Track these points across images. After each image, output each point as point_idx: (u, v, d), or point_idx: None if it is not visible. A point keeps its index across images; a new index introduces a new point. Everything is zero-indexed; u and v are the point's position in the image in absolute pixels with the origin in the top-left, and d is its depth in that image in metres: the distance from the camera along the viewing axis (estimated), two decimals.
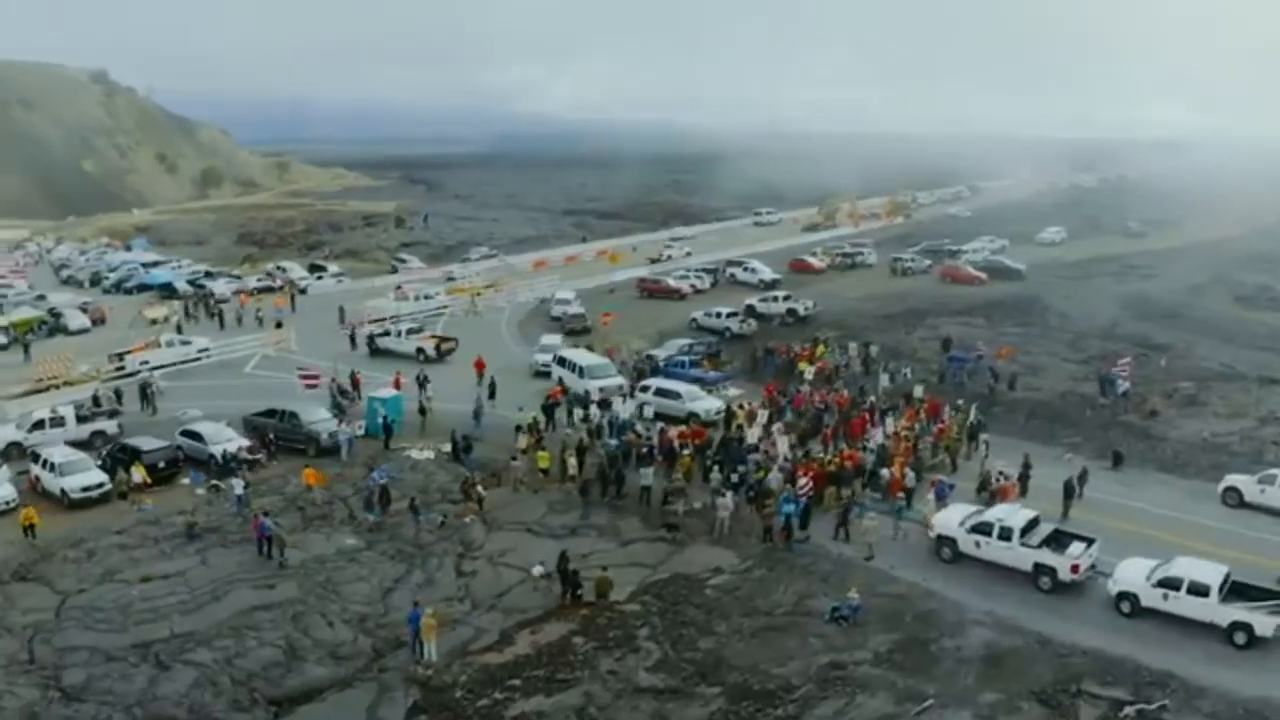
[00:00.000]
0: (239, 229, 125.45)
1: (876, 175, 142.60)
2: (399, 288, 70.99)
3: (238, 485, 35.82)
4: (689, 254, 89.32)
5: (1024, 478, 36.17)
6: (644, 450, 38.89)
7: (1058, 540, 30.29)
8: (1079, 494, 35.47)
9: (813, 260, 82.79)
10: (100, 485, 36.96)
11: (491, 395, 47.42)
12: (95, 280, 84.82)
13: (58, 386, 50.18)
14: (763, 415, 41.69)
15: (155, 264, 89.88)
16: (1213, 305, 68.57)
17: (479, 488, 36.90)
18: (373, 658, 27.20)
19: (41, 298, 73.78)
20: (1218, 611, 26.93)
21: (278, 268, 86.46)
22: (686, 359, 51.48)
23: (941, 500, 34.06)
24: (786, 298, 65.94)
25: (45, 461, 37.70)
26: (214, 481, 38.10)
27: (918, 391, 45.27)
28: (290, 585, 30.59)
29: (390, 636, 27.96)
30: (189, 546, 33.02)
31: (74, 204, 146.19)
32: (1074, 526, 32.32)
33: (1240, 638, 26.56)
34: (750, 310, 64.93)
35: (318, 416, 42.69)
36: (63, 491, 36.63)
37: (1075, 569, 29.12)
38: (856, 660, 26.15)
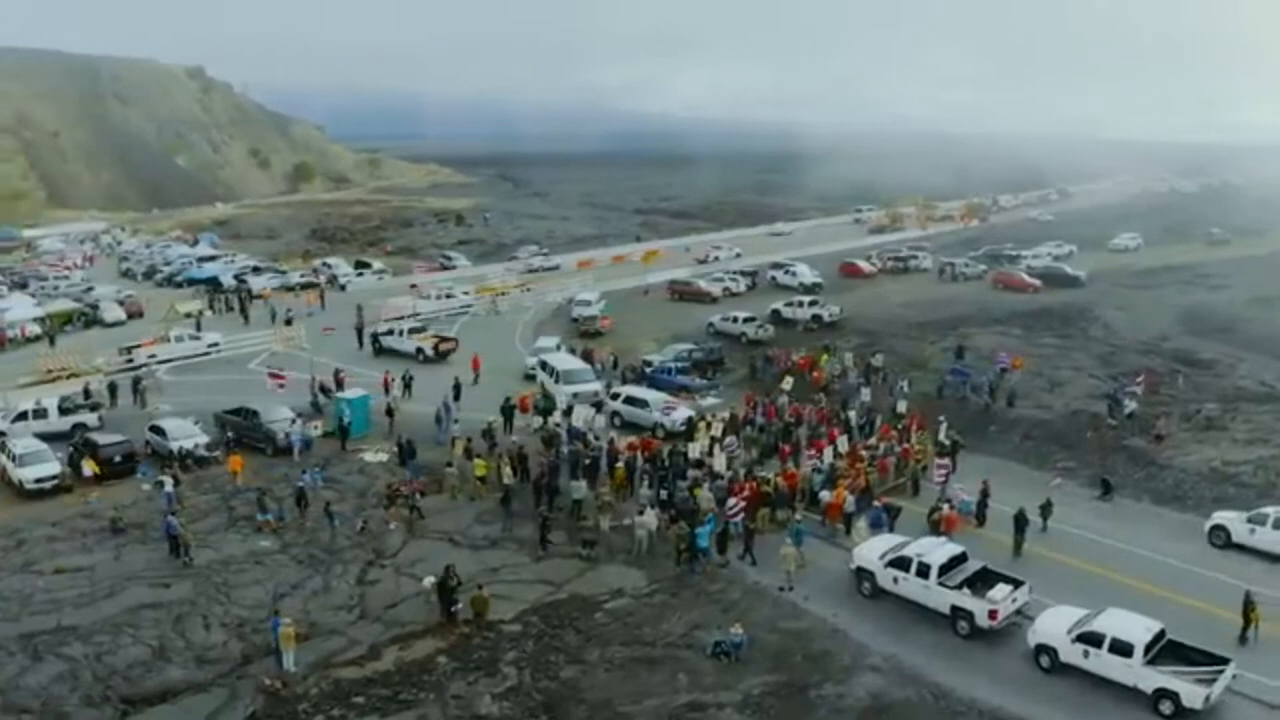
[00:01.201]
0: (313, 224, 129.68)
1: (973, 176, 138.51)
2: (413, 286, 71.98)
3: (168, 483, 36.72)
4: (738, 255, 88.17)
5: (982, 506, 34.06)
6: (588, 461, 38.27)
7: (984, 580, 28.25)
8: (1043, 527, 33.30)
9: (862, 264, 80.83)
10: (54, 477, 38.45)
11: (457, 397, 47.51)
12: (150, 273, 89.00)
13: (65, 378, 52.58)
14: (717, 427, 40.47)
15: (210, 259, 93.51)
16: (1277, 319, 63.43)
17: (418, 495, 37.04)
18: (239, 663, 27.30)
19: (89, 289, 77.65)
20: (1142, 675, 24.48)
21: (323, 264, 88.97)
22: (673, 365, 50.46)
23: (877, 528, 32.39)
24: (813, 303, 64.28)
25: (9, 451, 39.56)
26: (159, 478, 39.20)
27: (900, 406, 43.24)
28: (186, 585, 31.12)
29: (264, 643, 27.95)
30: (110, 542, 34.01)
31: (164, 197, 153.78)
32: (1025, 564, 30.33)
33: (1166, 707, 24.05)
34: (775, 315, 63.82)
35: (277, 416, 43.51)
36: (20, 481, 38.34)
37: (993, 615, 27.06)
38: (721, 703, 24.93)
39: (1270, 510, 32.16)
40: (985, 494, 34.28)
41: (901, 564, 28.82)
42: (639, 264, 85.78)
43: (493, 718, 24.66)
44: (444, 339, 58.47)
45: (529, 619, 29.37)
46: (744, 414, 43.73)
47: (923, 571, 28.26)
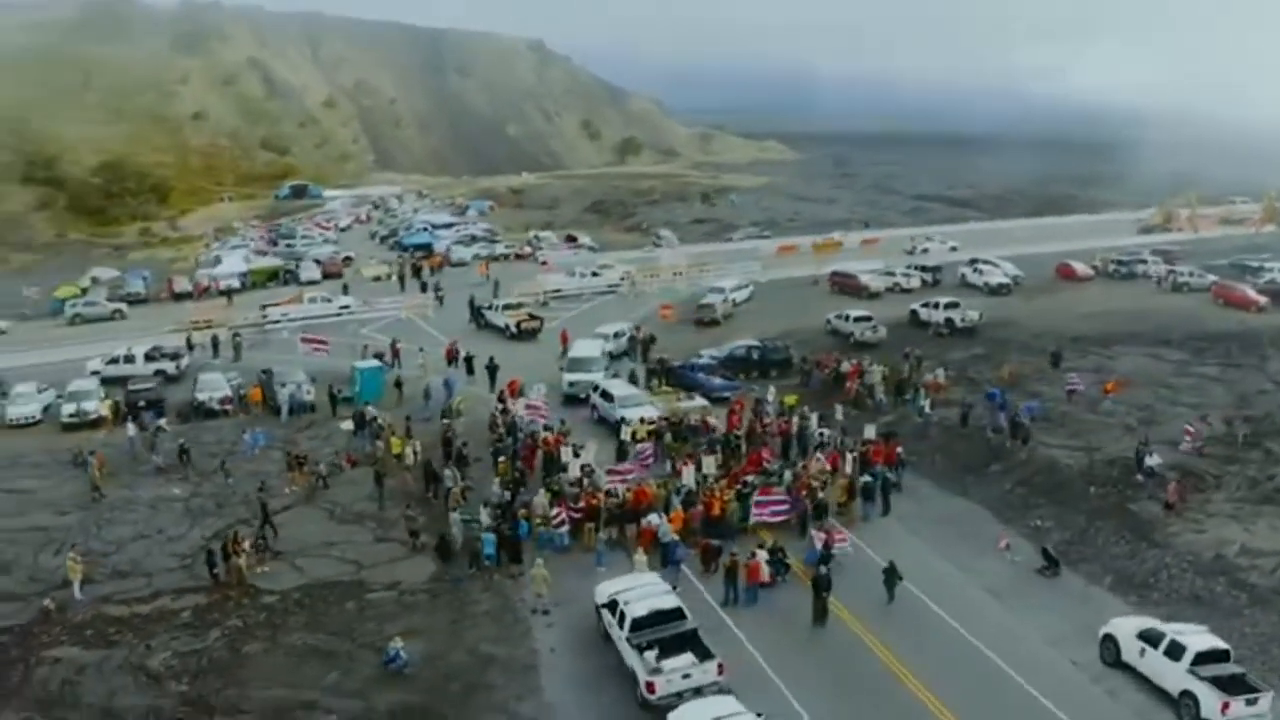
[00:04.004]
0: (597, 197, 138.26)
1: None
2: (543, 263, 75.57)
3: (131, 428, 43.58)
4: (954, 249, 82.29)
5: (825, 559, 30.97)
6: (499, 449, 39.81)
7: (687, 645, 25.84)
8: (888, 598, 29.80)
9: (1077, 266, 73.07)
10: (30, 418, 46.97)
11: (470, 372, 50.46)
12: (387, 237, 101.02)
13: (203, 328, 62.78)
14: (642, 431, 39.92)
15: (447, 226, 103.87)
16: None
17: (349, 465, 40.96)
18: (58, 586, 32.50)
19: (335, 251, 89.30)
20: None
21: (534, 236, 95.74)
22: (696, 362, 49.77)
23: (675, 565, 30.88)
24: (949, 305, 59.38)
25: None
26: (159, 423, 46.42)
27: (869, 432, 39.56)
28: (77, 516, 37.28)
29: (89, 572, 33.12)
30: (66, 472, 41.30)
31: (489, 164, 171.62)
32: (814, 643, 27.81)
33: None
34: (913, 316, 60.24)
35: (289, 379, 49.26)
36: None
37: (650, 687, 24.78)
38: (333, 708, 25.88)
39: (1169, 629, 25.93)
40: (829, 552, 31.08)
41: (611, 609, 27.44)
42: (844, 251, 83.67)
43: (151, 670, 27.70)
44: (531, 317, 61.54)
45: (295, 594, 31.94)
46: (731, 420, 42.48)
47: (622, 622, 26.71)
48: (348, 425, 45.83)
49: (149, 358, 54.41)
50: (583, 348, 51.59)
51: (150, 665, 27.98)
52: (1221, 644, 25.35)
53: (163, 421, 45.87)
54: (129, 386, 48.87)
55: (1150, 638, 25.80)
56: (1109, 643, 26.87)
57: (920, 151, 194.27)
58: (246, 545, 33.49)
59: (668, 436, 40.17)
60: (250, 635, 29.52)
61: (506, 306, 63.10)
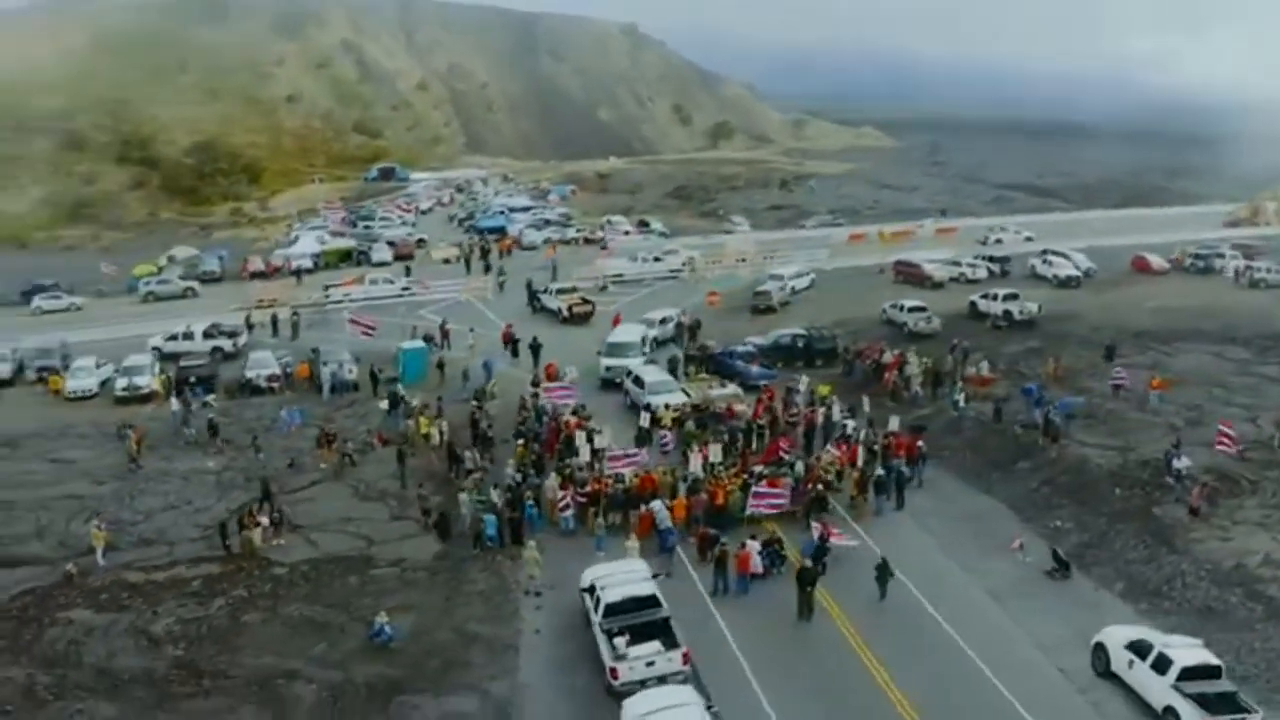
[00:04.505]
0: (680, 182, 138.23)
1: None
2: (604, 248, 75.91)
3: (175, 404, 45.51)
4: (1029, 239, 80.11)
5: (822, 552, 30.81)
6: (521, 431, 40.48)
7: (659, 633, 26.10)
8: (880, 595, 29.47)
9: (1153, 259, 70.61)
10: (87, 391, 49.40)
11: (514, 355, 51.45)
12: (464, 220, 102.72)
13: (266, 307, 65.02)
14: (667, 418, 40.18)
15: (524, 209, 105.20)
16: None
17: (380, 443, 42.22)
18: (83, 553, 34.36)
19: (411, 233, 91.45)
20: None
21: (607, 221, 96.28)
22: (736, 350, 49.81)
23: (668, 552, 31.04)
24: (1007, 297, 57.99)
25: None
26: (207, 399, 48.37)
27: (892, 424, 39.03)
28: (113, 487, 39.18)
29: (114, 540, 34.96)
30: (108, 444, 43.41)
31: (580, 149, 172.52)
32: (796, 641, 27.73)
33: None
34: (972, 308, 59.28)
35: (333, 358, 50.75)
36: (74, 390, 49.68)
37: (614, 674, 25.00)
38: (315, 677, 26.91)
39: (1159, 641, 25.05)
40: (824, 546, 30.86)
41: (590, 593, 27.78)
42: (917, 240, 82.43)
43: (152, 634, 29.10)
44: (583, 301, 62.10)
45: (303, 567, 33.12)
46: (757, 409, 42.40)
47: (597, 607, 27.01)
48: (384, 405, 47.06)
49: (207, 335, 56.46)
50: (622, 333, 52.00)
51: (152, 630, 29.37)
52: (1212, 659, 24.40)
53: (210, 397, 47.87)
54: (180, 363, 50.95)
55: (1139, 649, 25.01)
56: (1100, 652, 26.15)
57: (1019, 140, 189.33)
58: (264, 520, 34.79)
59: (689, 424, 40.18)
60: (252, 605, 30.72)
61: (560, 291, 63.77)
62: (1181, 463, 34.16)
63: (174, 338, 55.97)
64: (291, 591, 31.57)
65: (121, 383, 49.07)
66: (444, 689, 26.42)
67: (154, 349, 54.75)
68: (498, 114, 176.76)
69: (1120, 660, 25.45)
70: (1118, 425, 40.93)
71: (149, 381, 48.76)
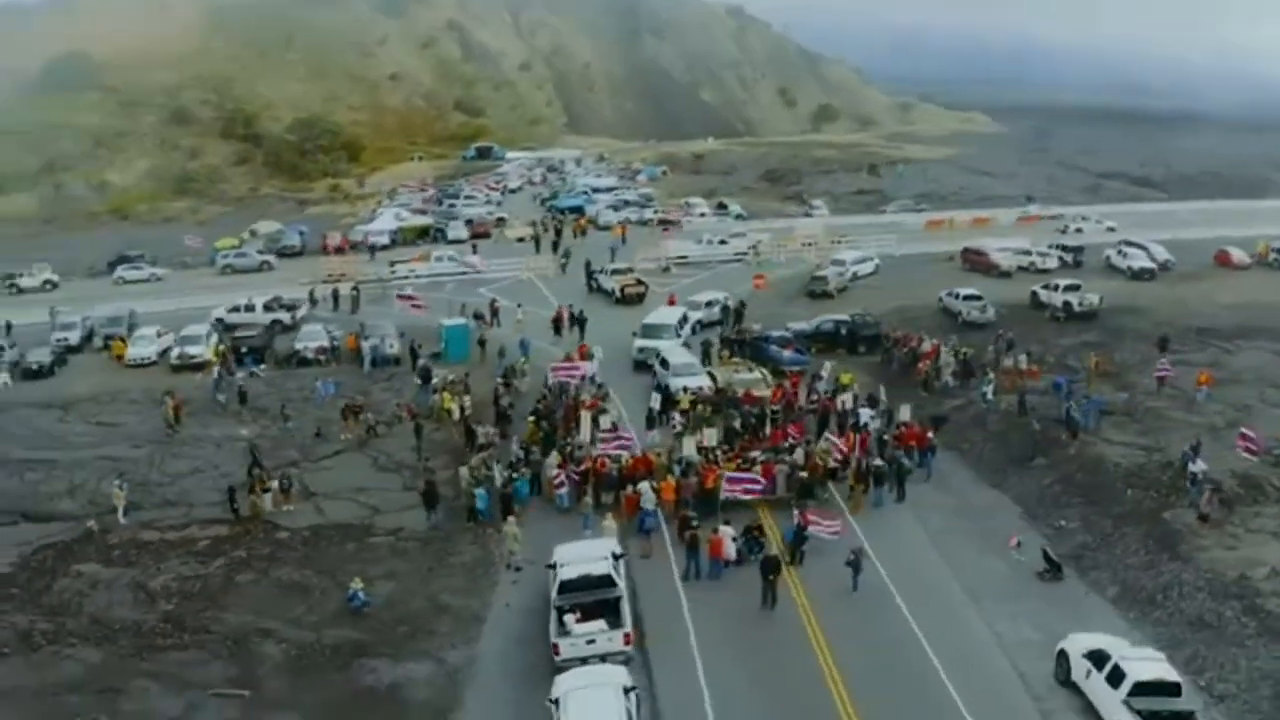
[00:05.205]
0: (773, 164, 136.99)
1: None
2: (665, 229, 75.83)
3: (216, 371, 47.53)
4: (1111, 229, 77.24)
5: (799, 542, 30.59)
6: (537, 410, 41.17)
7: (610, 612, 26.43)
8: (852, 585, 29.12)
9: (1234, 253, 67.54)
10: (146, 359, 51.95)
11: (556, 333, 52.93)
12: (548, 200, 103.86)
13: (333, 281, 67.14)
14: (685, 401, 40.42)
15: (608, 190, 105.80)
16: None
17: (409, 416, 43.45)
18: (109, 510, 36.41)
19: (491, 211, 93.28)
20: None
21: (685, 202, 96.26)
22: (771, 334, 49.58)
23: (645, 534, 31.26)
24: (1068, 288, 56.14)
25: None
26: (255, 369, 50.35)
27: (904, 414, 38.28)
28: (147, 451, 41.27)
29: (139, 500, 36.91)
30: (155, 410, 45.58)
31: (682, 130, 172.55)
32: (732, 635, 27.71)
33: None
34: (1033, 298, 57.87)
35: (376, 333, 52.25)
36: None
37: (556, 649, 25.64)
38: (289, 638, 28.09)
39: (1118, 652, 23.96)
40: (802, 534, 30.60)
41: (552, 570, 28.21)
42: (997, 229, 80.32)
43: (150, 589, 30.70)
44: (638, 282, 62.36)
45: (305, 533, 34.42)
46: (774, 394, 42.21)
47: (554, 584, 27.45)
48: (417, 380, 48.27)
49: (267, 308, 58.69)
50: (658, 315, 52.20)
51: (151, 585, 30.95)
52: (1171, 675, 23.29)
53: (260, 368, 49.88)
54: (234, 334, 53.09)
55: (1097, 658, 24.09)
56: (1062, 659, 25.24)
57: (1130, 128, 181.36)
58: (274, 485, 36.22)
59: (700, 407, 40.20)
60: (247, 566, 32.08)
61: (614, 271, 64.20)
62: (1197, 465, 32.65)
63: (236, 309, 58.33)
64: (287, 555, 32.82)
65: (176, 351, 51.39)
66: (403, 655, 27.20)
67: (216, 320, 57.10)
68: (599, 94, 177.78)
69: (1079, 669, 24.57)
70: (1153, 423, 39.33)
71: (202, 350, 50.96)
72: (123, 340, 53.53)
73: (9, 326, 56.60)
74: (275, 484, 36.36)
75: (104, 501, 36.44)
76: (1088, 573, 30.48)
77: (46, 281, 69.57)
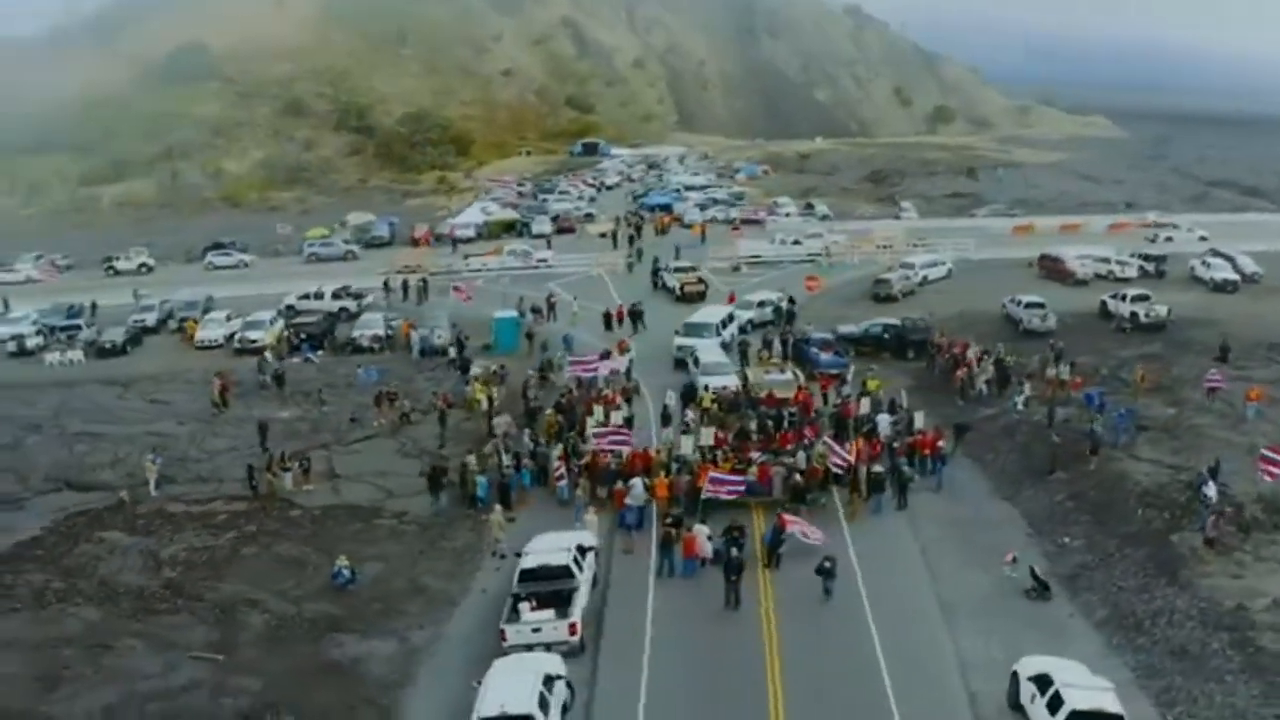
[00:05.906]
0: (878, 165, 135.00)
1: None
2: (736, 229, 75.48)
3: (270, 356, 49.58)
4: (1202, 238, 73.65)
5: (775, 545, 30.44)
6: (559, 404, 41.86)
7: (564, 602, 26.98)
8: (825, 594, 28.78)
9: None
10: (213, 342, 54.54)
11: (608, 327, 54.22)
12: (640, 197, 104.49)
13: (407, 272, 69.15)
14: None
15: (702, 188, 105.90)
16: None
17: (445, 405, 44.74)
18: (143, 483, 38.57)
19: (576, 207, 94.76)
20: None
21: (773, 203, 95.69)
22: (813, 336, 49.28)
23: (626, 529, 31.52)
24: (1138, 299, 53.97)
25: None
26: (309, 355, 52.31)
27: (919, 421, 37.50)
28: (190, 428, 43.47)
29: (174, 475, 39.04)
30: (205, 390, 47.71)
31: (794, 129, 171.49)
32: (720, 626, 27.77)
33: None
34: (1102, 307, 56.04)
35: (428, 324, 53.75)
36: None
37: (502, 635, 26.26)
38: (272, 610, 29.24)
39: (1061, 677, 22.98)
40: (779, 537, 30.40)
41: (519, 557, 28.77)
42: (1088, 235, 77.56)
43: (160, 557, 32.43)
44: (697, 281, 62.48)
45: (316, 512, 35.82)
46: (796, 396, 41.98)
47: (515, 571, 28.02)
48: (458, 370, 49.51)
49: (335, 296, 60.97)
50: (701, 314, 52.22)
51: (161, 554, 32.68)
52: (1112, 707, 22.17)
53: (317, 354, 51.87)
54: (294, 320, 55.23)
55: (1041, 683, 23.27)
56: (1014, 681, 24.42)
57: (1254, 136, 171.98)
58: (295, 465, 37.75)
59: (716, 406, 40.20)
60: (254, 541, 33.55)
61: (677, 269, 64.48)
62: (1210, 489, 31.11)
63: (306, 296, 60.72)
64: (294, 532, 34.16)
65: (239, 336, 53.80)
66: (372, 632, 28.10)
67: (286, 306, 59.54)
68: (712, 92, 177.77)
69: (1026, 693, 23.76)
70: (1192, 440, 37.44)
71: (262, 335, 53.19)
72: (195, 323, 56.26)
73: (94, 306, 60.21)
74: (296, 465, 37.80)
75: (141, 474, 38.40)
76: (1080, 593, 29.36)
77: (142, 265, 73.67)
